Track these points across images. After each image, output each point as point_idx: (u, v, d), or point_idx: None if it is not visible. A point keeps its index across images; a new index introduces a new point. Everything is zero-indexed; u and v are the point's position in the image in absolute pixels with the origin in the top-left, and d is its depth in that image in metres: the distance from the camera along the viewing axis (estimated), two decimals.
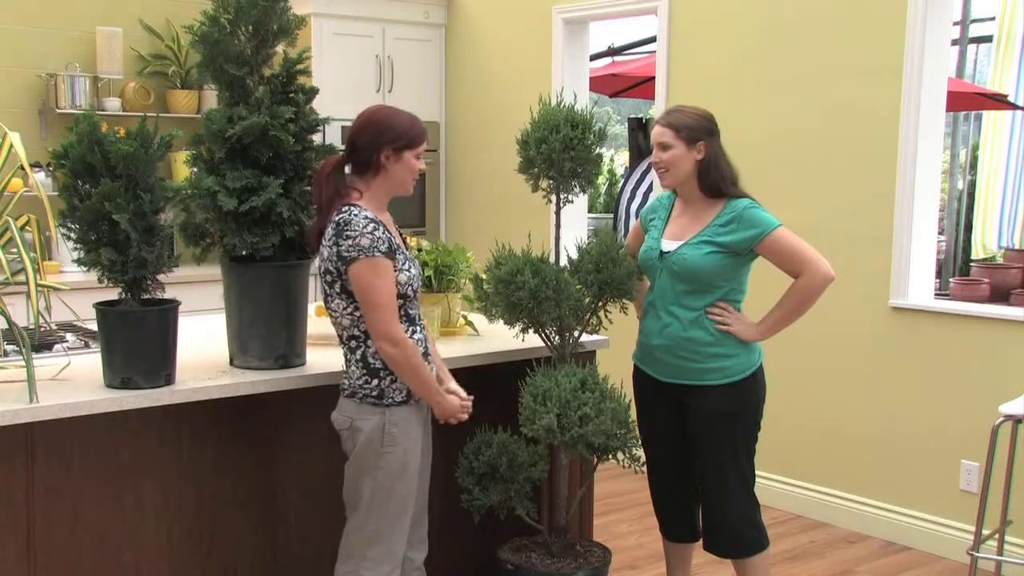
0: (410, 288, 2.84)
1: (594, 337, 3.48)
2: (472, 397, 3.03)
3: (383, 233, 2.76)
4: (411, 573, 3.01)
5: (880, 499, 4.61)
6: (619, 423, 3.14)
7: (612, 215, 7.80)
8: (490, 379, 3.27)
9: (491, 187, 6.20)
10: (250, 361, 3.02)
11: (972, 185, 8.08)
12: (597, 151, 3.25)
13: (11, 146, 2.85)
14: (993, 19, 7.83)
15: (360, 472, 2.85)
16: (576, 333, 3.32)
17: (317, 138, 3.13)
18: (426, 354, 2.89)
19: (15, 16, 5.60)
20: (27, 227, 2.91)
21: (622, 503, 4.94)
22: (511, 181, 3.68)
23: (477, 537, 3.42)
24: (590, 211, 7.50)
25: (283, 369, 3.03)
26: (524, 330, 3.26)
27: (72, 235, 2.76)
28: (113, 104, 5.76)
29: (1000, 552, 3.92)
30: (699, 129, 3.20)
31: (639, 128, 7.64)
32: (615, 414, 3.13)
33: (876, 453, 4.59)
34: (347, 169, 2.87)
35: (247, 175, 2.91)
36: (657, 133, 3.24)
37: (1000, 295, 5.41)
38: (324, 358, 3.15)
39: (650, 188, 6.73)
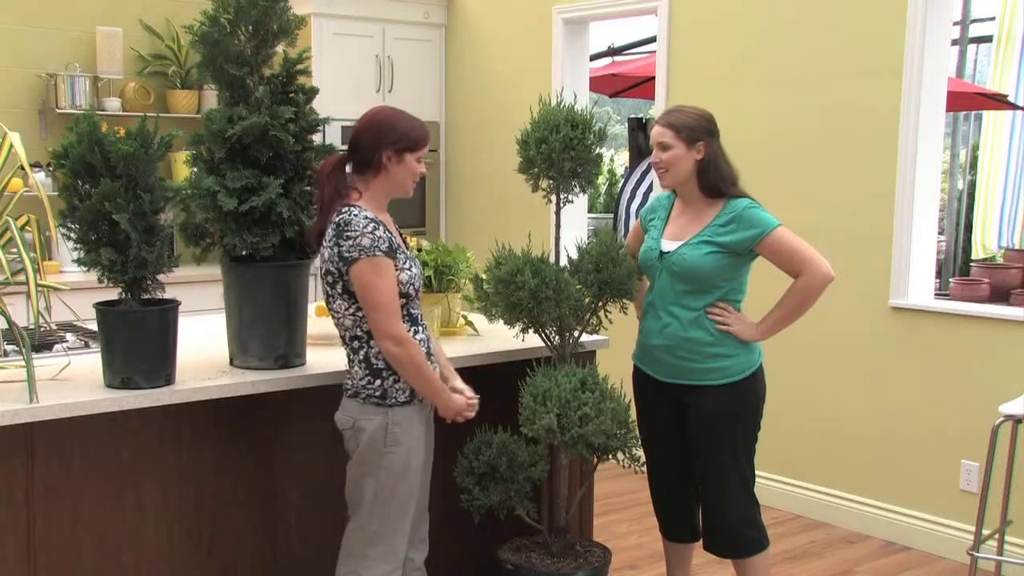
0: (411, 287, 2.84)
1: (594, 337, 3.48)
2: (479, 396, 3.02)
3: (383, 232, 2.76)
4: (412, 573, 3.01)
5: (880, 499, 4.60)
6: (619, 423, 3.14)
7: (612, 215, 7.79)
8: (490, 379, 3.27)
9: (491, 187, 6.20)
10: (250, 361, 3.02)
11: (972, 185, 8.07)
12: (597, 151, 3.25)
13: (11, 146, 2.84)
14: (993, 19, 7.82)
15: (362, 472, 2.85)
16: (576, 333, 3.32)
17: (317, 138, 3.13)
18: (429, 354, 2.89)
19: (15, 16, 5.60)
20: (27, 227, 2.91)
21: (622, 503, 4.94)
22: (511, 181, 3.68)
23: (477, 537, 3.41)
24: (590, 211, 7.50)
25: (283, 369, 3.03)
26: (524, 330, 3.26)
27: (72, 235, 2.76)
28: (113, 104, 5.76)
29: (1000, 552, 3.92)
30: (699, 129, 3.20)
31: (639, 128, 7.64)
32: (615, 414, 3.13)
33: (876, 453, 4.59)
34: (348, 168, 2.88)
35: (247, 175, 2.91)
36: (657, 133, 3.24)
37: (1000, 295, 5.40)
38: (324, 358, 3.15)
39: (650, 188, 6.73)
